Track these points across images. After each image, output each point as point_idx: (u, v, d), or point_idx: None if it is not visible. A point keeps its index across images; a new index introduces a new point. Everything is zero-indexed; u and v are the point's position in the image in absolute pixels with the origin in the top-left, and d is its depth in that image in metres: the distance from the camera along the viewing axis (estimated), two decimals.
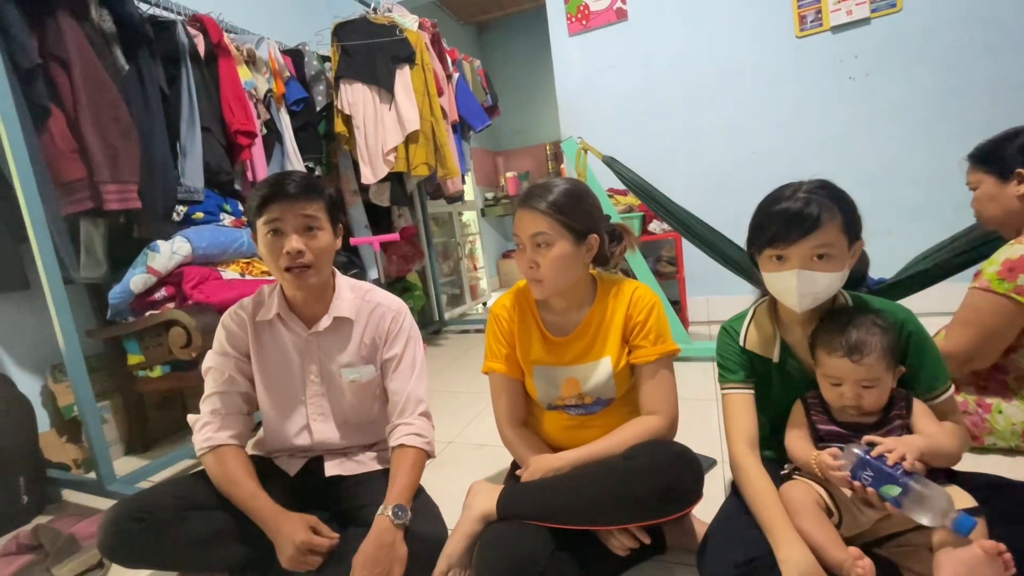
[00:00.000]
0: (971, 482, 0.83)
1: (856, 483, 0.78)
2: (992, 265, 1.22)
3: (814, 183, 0.87)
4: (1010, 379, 1.29)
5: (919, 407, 0.87)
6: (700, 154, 2.93)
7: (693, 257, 2.77)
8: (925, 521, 0.73)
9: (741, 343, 0.98)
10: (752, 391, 0.98)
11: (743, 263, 2.15)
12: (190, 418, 1.10)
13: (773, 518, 0.82)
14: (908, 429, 0.86)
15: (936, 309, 1.29)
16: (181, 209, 1.90)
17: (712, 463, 1.38)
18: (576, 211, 0.99)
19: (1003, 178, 1.25)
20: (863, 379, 0.84)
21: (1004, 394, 1.28)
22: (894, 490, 0.74)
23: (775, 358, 0.96)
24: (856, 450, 0.79)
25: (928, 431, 0.84)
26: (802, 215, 0.83)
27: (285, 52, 2.52)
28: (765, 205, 0.89)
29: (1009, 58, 2.34)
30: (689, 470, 0.91)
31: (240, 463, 1.04)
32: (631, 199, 2.88)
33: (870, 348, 0.83)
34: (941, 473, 0.85)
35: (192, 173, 1.90)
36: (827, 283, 0.85)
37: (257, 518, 0.98)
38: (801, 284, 0.85)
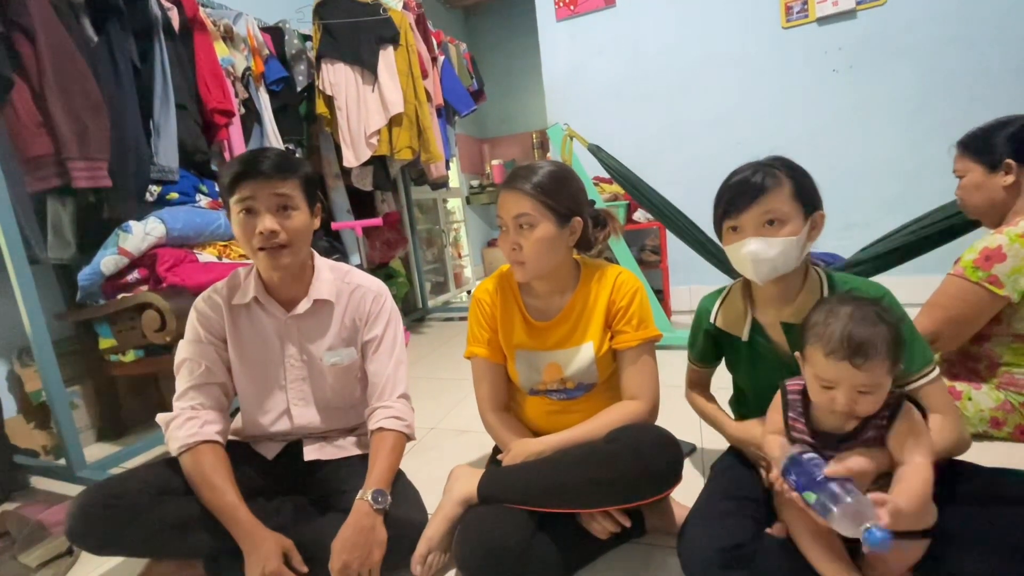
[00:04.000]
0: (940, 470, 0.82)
1: (785, 484, 0.76)
2: (970, 253, 1.23)
3: (767, 158, 0.90)
4: (981, 367, 1.32)
5: (907, 421, 0.75)
6: (686, 143, 2.93)
7: (677, 246, 2.77)
8: (840, 530, 0.68)
9: (712, 319, 1.02)
10: (706, 369, 1.12)
11: (721, 256, 2.17)
12: (160, 418, 1.03)
13: (735, 428, 1.00)
14: (883, 441, 0.76)
15: (916, 300, 1.31)
16: (155, 189, 1.83)
17: (691, 448, 1.40)
18: (560, 193, 0.98)
19: (991, 168, 1.26)
20: (862, 384, 0.73)
21: (975, 382, 1.32)
22: (811, 497, 0.71)
23: (744, 336, 0.97)
24: (792, 451, 0.77)
25: (903, 444, 0.74)
26: (748, 183, 0.86)
27: (264, 29, 2.44)
28: (722, 184, 0.93)
29: (987, 53, 2.38)
30: (668, 453, 0.92)
31: (220, 465, 0.98)
32: (616, 188, 2.88)
33: (876, 351, 0.71)
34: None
35: (166, 152, 1.83)
36: (781, 248, 0.85)
37: (233, 530, 0.93)
38: (754, 250, 0.86)
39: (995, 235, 1.21)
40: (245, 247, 1.01)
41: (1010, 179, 1.23)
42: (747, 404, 1.04)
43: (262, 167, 0.96)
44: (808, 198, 0.87)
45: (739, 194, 0.88)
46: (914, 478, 0.72)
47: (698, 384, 1.15)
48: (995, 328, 1.27)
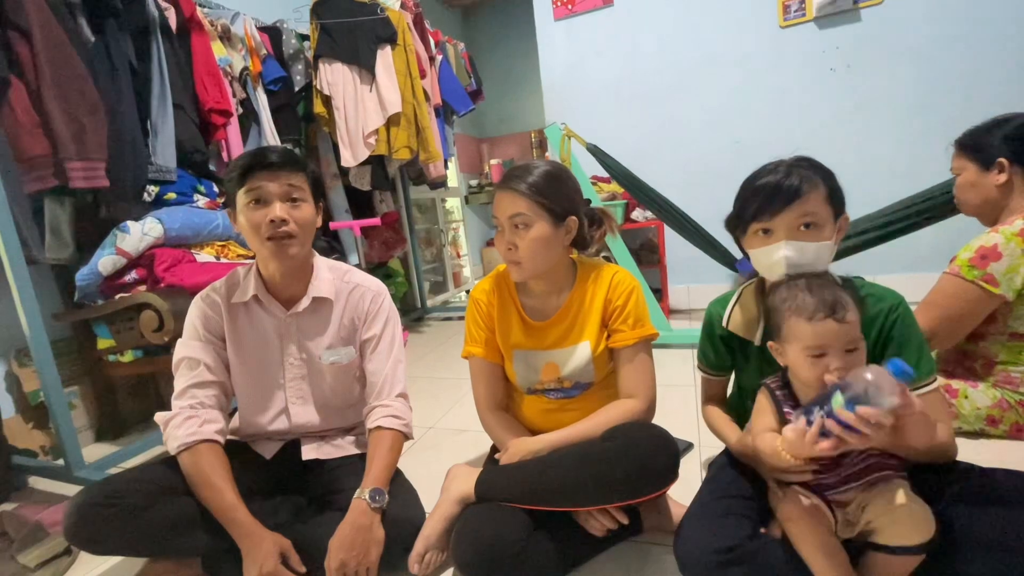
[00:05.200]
0: (936, 469, 0.82)
1: (823, 434, 0.70)
2: (966, 251, 1.24)
3: (794, 158, 0.87)
4: (977, 366, 1.33)
5: None
6: (684, 142, 2.93)
7: (675, 245, 2.79)
8: (877, 402, 0.65)
9: (724, 324, 0.98)
10: (723, 377, 1.05)
11: (723, 250, 2.18)
12: (159, 417, 1.04)
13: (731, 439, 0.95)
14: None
15: (913, 298, 1.31)
16: (152, 189, 1.83)
17: (689, 446, 1.40)
18: (555, 193, 0.98)
19: (984, 166, 1.26)
20: (849, 341, 0.76)
21: (971, 380, 1.32)
22: (839, 398, 0.68)
23: (757, 341, 0.95)
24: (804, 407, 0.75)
25: None
26: (783, 186, 0.83)
27: (262, 29, 2.44)
28: (747, 183, 0.89)
29: (985, 53, 2.39)
30: (665, 451, 0.92)
31: (219, 465, 0.98)
32: (614, 187, 2.88)
33: (848, 303, 0.76)
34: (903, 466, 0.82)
35: (164, 152, 1.83)
36: (815, 253, 0.83)
37: (232, 530, 0.93)
38: (789, 256, 0.83)
39: (991, 234, 1.21)
40: (252, 239, 1.01)
41: (1003, 178, 1.24)
42: (747, 404, 1.03)
43: (271, 159, 0.99)
44: (838, 201, 0.85)
45: (773, 196, 0.83)
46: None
47: (715, 397, 1.08)
48: (991, 327, 1.27)
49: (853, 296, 0.78)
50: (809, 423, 0.71)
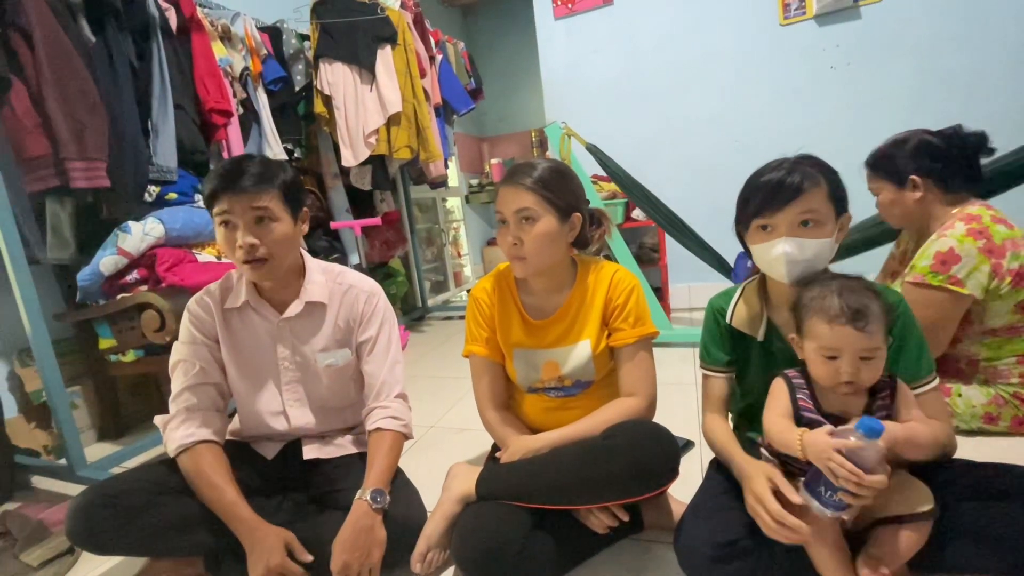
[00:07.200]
0: (937, 466, 0.83)
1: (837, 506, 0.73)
2: (924, 259, 1.24)
3: (798, 155, 0.88)
4: (962, 366, 1.33)
5: (904, 395, 0.82)
6: (684, 141, 2.93)
7: (676, 244, 2.78)
8: (868, 461, 0.69)
9: (728, 319, 0.97)
10: (727, 374, 1.01)
11: (719, 256, 2.19)
12: (158, 420, 1.04)
13: (735, 456, 0.88)
14: (891, 418, 0.80)
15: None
16: (153, 189, 1.84)
17: (689, 444, 1.40)
18: (561, 188, 0.99)
19: (899, 184, 1.31)
20: (865, 349, 0.76)
21: (962, 379, 1.32)
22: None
23: (760, 337, 0.95)
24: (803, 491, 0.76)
25: (907, 417, 0.80)
26: (785, 183, 0.83)
27: (262, 29, 2.44)
28: (751, 180, 0.90)
29: (982, 51, 2.38)
30: (665, 449, 0.92)
31: (218, 464, 0.99)
32: (615, 186, 2.88)
33: (874, 314, 0.76)
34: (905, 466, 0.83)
35: (164, 152, 1.84)
36: (815, 250, 0.84)
37: (235, 527, 0.94)
38: (788, 251, 0.84)
39: (942, 239, 1.22)
40: (230, 258, 1.01)
41: (918, 194, 1.28)
42: (747, 400, 1.02)
43: (238, 180, 0.94)
44: (840, 199, 0.86)
45: (775, 192, 0.84)
46: (913, 422, 0.79)
47: (716, 400, 1.01)
48: (966, 329, 1.27)
49: (882, 307, 0.78)
50: (821, 501, 0.73)
